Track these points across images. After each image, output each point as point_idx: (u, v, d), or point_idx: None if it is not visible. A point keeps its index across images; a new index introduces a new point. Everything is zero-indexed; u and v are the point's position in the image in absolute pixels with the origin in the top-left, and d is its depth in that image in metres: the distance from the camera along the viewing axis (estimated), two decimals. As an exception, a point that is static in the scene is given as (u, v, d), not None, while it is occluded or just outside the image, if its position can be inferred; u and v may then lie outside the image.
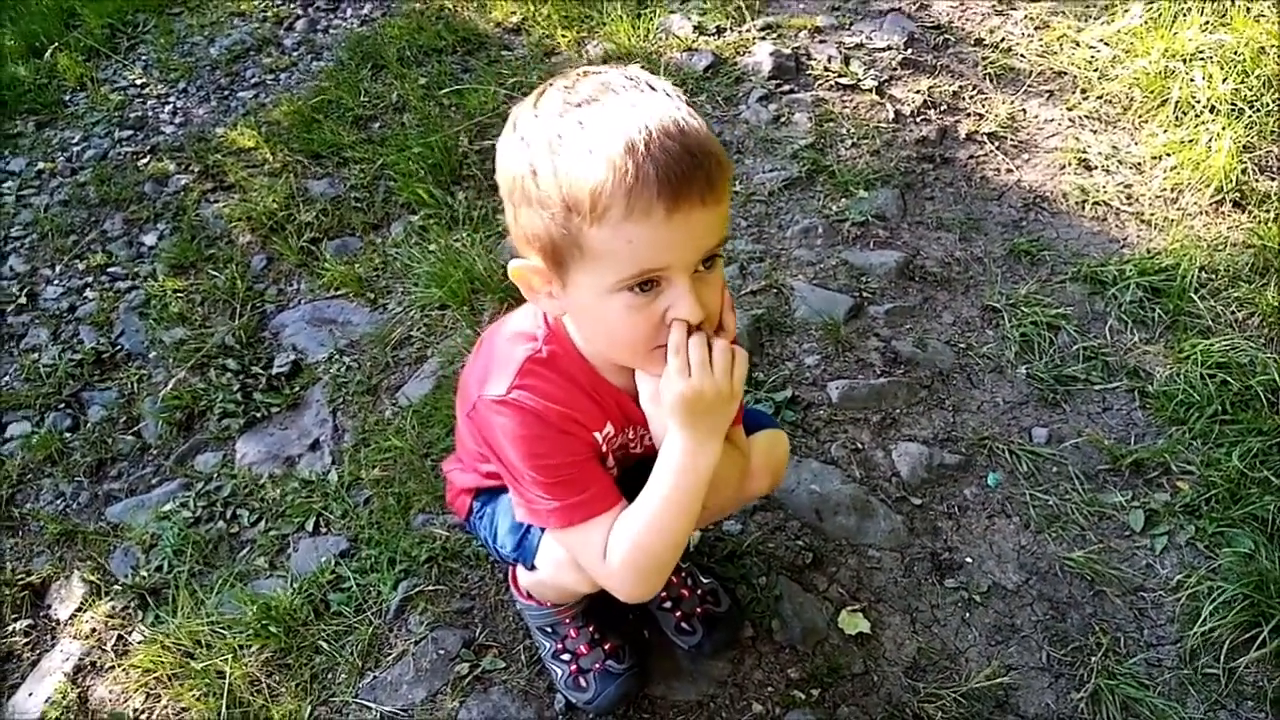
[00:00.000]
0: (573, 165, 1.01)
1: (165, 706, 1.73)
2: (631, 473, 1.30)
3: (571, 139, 1.02)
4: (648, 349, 1.13)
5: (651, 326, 1.10)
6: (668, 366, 1.11)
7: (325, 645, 1.75)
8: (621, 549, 1.21)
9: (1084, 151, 2.71)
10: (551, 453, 1.21)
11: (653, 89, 1.06)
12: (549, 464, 1.21)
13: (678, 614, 1.65)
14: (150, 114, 3.33)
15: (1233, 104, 2.70)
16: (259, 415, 2.26)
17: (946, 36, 3.18)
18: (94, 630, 1.88)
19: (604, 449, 1.29)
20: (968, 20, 3.26)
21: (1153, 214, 2.52)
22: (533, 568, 1.41)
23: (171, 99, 3.39)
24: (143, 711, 1.73)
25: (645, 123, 1.00)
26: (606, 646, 1.61)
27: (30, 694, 1.80)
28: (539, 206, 1.05)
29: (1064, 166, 2.68)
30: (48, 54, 3.61)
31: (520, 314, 1.32)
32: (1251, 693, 1.64)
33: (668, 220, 1.00)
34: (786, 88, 2.95)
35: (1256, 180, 2.55)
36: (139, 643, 1.83)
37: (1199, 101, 2.73)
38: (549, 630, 1.63)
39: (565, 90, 1.06)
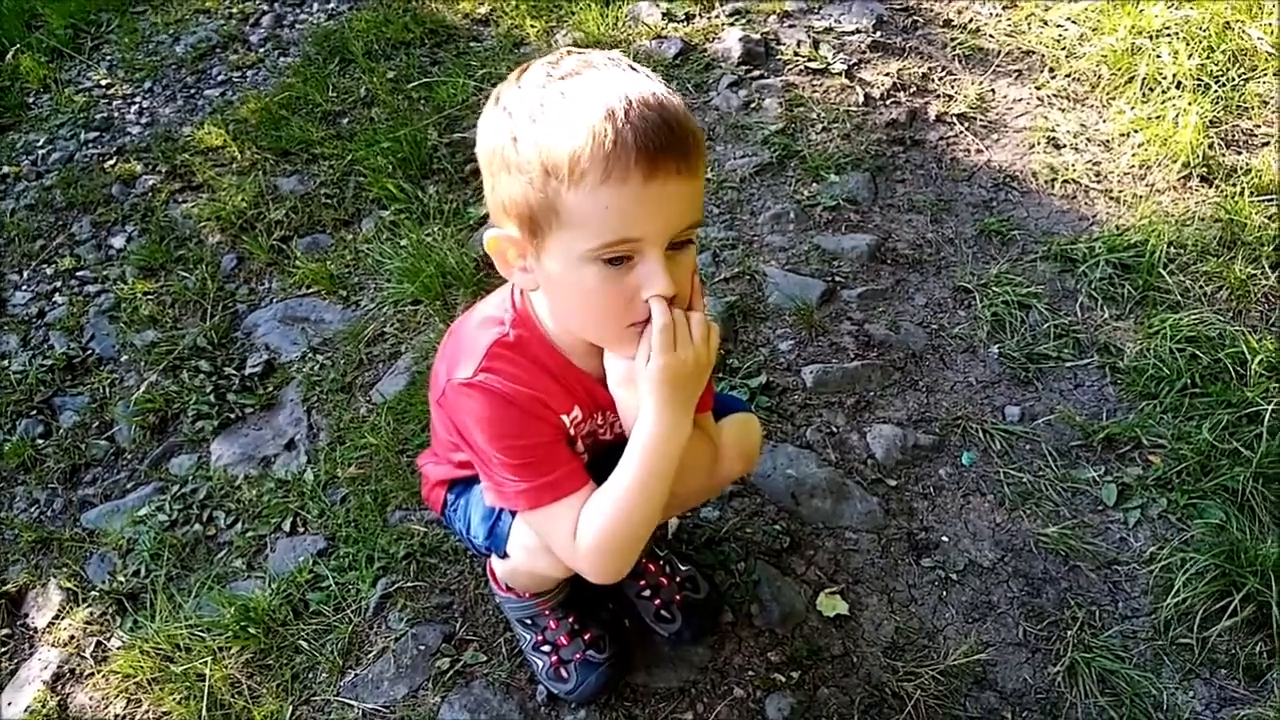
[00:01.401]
0: (553, 131, 1.04)
1: (146, 711, 1.72)
2: (602, 459, 1.30)
3: (553, 107, 1.05)
4: (619, 326, 1.14)
5: (624, 300, 1.11)
6: (653, 342, 1.12)
7: (305, 645, 1.75)
8: (591, 530, 1.21)
9: (1053, 130, 2.72)
10: (519, 434, 1.21)
11: (634, 70, 1.09)
12: (516, 445, 1.21)
13: (656, 602, 1.66)
14: (116, 115, 3.29)
15: (1198, 79, 2.72)
16: (233, 416, 2.24)
17: (915, 18, 3.18)
18: (72, 637, 1.87)
19: (572, 433, 1.30)
20: (936, 1, 3.26)
21: (1121, 191, 2.53)
22: (505, 556, 1.41)
23: (137, 99, 3.34)
24: (124, 717, 1.73)
25: (625, 93, 1.03)
26: (586, 637, 1.61)
27: (9, 703, 1.79)
28: (518, 172, 1.07)
29: (1033, 145, 2.69)
30: (9, 56, 3.55)
31: (488, 301, 1.33)
32: (1224, 661, 1.66)
33: (644, 188, 1.02)
34: (756, 73, 2.95)
35: (1223, 155, 2.57)
36: (118, 648, 1.82)
37: (1165, 78, 2.74)
38: (528, 622, 1.64)
39: (549, 65, 1.09)
